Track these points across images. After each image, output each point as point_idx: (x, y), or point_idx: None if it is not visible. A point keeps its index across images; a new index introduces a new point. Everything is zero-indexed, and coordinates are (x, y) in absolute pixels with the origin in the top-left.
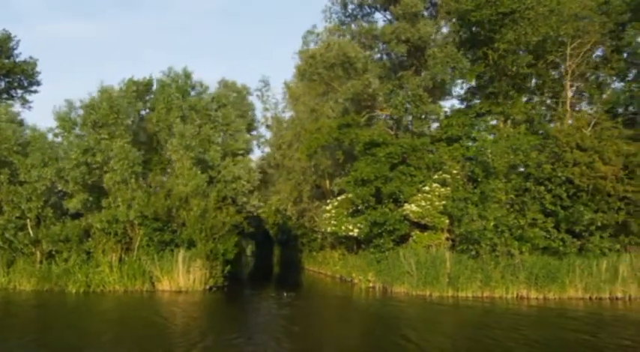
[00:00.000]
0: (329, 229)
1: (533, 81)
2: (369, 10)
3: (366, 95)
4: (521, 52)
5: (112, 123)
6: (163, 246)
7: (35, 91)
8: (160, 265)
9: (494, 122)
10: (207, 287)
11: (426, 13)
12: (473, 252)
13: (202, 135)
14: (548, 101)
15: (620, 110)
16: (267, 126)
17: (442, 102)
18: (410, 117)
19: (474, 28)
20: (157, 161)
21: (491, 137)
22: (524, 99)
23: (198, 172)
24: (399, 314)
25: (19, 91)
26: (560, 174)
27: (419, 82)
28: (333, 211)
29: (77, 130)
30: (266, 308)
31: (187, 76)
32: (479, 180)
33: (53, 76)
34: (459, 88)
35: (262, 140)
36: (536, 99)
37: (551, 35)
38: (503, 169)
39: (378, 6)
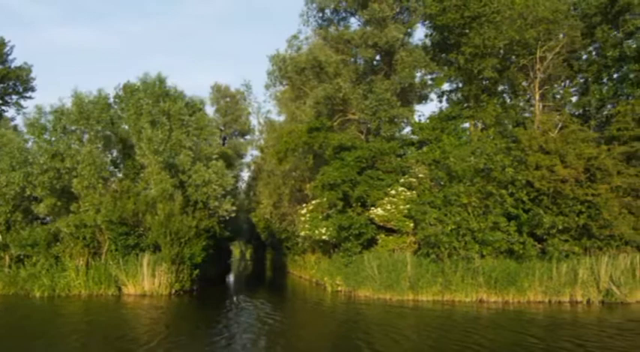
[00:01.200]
0: (303, 233)
1: (505, 85)
2: (344, 15)
3: (338, 99)
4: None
5: (81, 129)
6: (129, 250)
7: (30, 97)
8: (125, 269)
9: (466, 125)
10: (173, 291)
11: (402, 17)
12: (433, 256)
13: (173, 139)
14: (522, 104)
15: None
16: (259, 131)
17: (420, 106)
18: (380, 122)
19: (444, 33)
20: (130, 165)
21: (461, 140)
22: (496, 102)
23: (167, 176)
24: (356, 317)
25: (14, 97)
26: (520, 178)
27: (387, 86)
28: (308, 215)
29: (47, 136)
30: (223, 313)
31: (161, 81)
32: (442, 183)
33: (63, 80)
34: (435, 92)
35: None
36: (509, 102)
37: (517, 39)
38: (465, 173)
39: (354, 10)
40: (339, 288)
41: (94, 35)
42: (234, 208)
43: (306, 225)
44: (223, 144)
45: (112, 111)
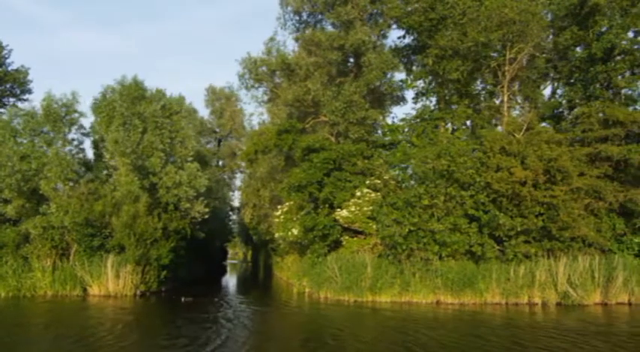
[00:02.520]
0: (277, 234)
1: (477, 86)
2: (320, 17)
3: (309, 101)
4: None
5: (50, 131)
6: (94, 252)
7: (27, 100)
8: (90, 270)
9: (437, 127)
10: (139, 292)
11: (375, 20)
12: (390, 257)
13: (145, 142)
14: (498, 103)
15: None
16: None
17: (399, 108)
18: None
19: (413, 35)
20: (102, 167)
21: (430, 141)
22: (468, 104)
23: (135, 178)
24: (307, 319)
25: (12, 100)
26: (478, 179)
27: (354, 89)
28: (282, 217)
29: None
30: (183, 313)
31: (137, 84)
32: (404, 185)
33: (75, 84)
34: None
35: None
36: (482, 104)
37: (482, 41)
38: (426, 175)
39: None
40: (306, 290)
41: (107, 38)
42: (206, 210)
43: (281, 227)
44: (219, 145)
45: (85, 113)
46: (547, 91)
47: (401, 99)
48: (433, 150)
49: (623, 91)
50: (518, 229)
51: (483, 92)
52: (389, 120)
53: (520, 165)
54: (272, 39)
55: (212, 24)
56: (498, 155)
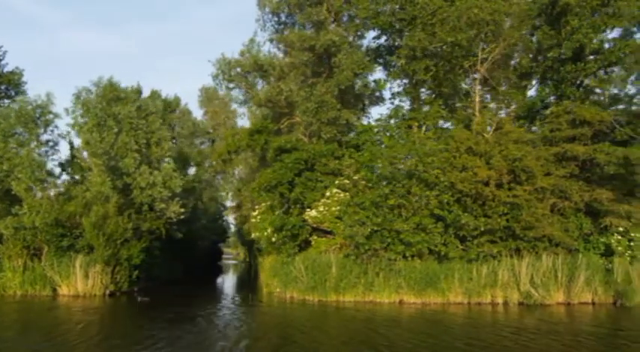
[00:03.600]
0: (253, 235)
1: (450, 87)
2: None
3: (283, 102)
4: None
5: (24, 132)
6: (63, 252)
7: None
8: (59, 270)
9: (410, 127)
10: (108, 292)
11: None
12: (353, 257)
13: (119, 143)
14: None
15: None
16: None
17: (378, 108)
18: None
19: (384, 35)
20: (77, 168)
21: (402, 142)
22: (441, 104)
23: (107, 179)
24: (266, 319)
25: (6, 101)
26: (442, 179)
27: (325, 89)
28: (259, 217)
29: None
30: (148, 313)
31: (112, 85)
32: (371, 185)
33: (74, 84)
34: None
35: None
36: (459, 104)
37: (450, 41)
38: (393, 175)
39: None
40: (277, 290)
41: (107, 38)
42: (182, 210)
43: (256, 227)
44: (212, 145)
45: (60, 114)
46: (533, 91)
47: (380, 100)
48: (401, 151)
49: (599, 91)
50: (482, 229)
51: (458, 92)
52: (367, 121)
53: (485, 165)
54: (252, 40)
55: (212, 24)
56: (464, 155)
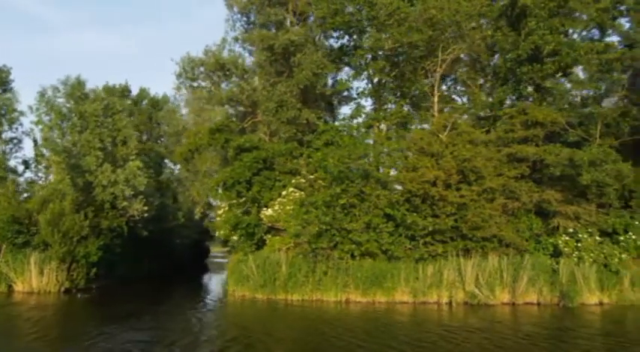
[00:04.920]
0: (217, 234)
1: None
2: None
3: (246, 101)
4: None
5: None
6: (19, 249)
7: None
8: (15, 267)
9: (371, 127)
10: (63, 289)
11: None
12: (300, 256)
13: (82, 141)
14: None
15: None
16: None
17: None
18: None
19: (344, 35)
20: (41, 165)
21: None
22: (404, 104)
23: (66, 177)
24: (210, 316)
25: None
26: (390, 179)
27: (285, 88)
28: (224, 215)
29: None
30: (94, 310)
31: (80, 84)
32: (326, 185)
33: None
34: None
35: None
36: (422, 105)
37: (406, 42)
38: (345, 174)
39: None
40: (232, 288)
41: (107, 38)
42: (145, 208)
43: (218, 226)
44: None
45: (25, 112)
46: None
47: (349, 100)
48: (356, 150)
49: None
50: (430, 229)
51: (418, 93)
52: (338, 121)
53: (435, 165)
54: (224, 40)
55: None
56: (416, 155)
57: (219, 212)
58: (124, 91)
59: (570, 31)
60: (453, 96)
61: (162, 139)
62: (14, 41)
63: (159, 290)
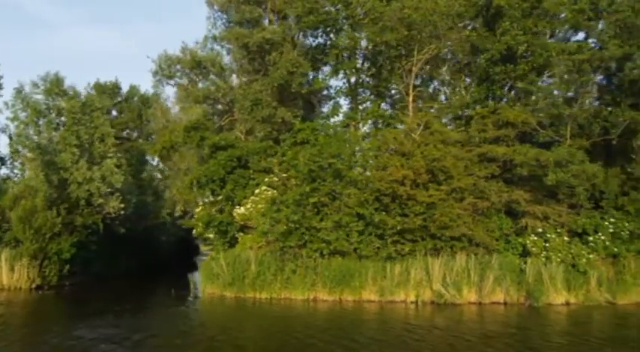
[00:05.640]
0: (194, 232)
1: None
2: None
3: (221, 99)
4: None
5: None
6: None
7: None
8: None
9: (347, 126)
10: (34, 286)
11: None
12: (269, 254)
13: (58, 137)
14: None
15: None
16: None
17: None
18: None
19: (320, 34)
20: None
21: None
22: (380, 103)
23: (40, 173)
24: (175, 314)
25: None
26: (361, 178)
27: (260, 87)
28: (201, 213)
29: None
30: (64, 307)
31: (58, 80)
32: (299, 183)
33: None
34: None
35: None
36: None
37: (379, 41)
38: (317, 173)
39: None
40: (203, 286)
41: (107, 38)
42: (122, 206)
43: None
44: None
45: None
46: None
47: (329, 98)
48: (328, 149)
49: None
50: (399, 228)
51: (395, 92)
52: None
53: (406, 164)
54: (206, 38)
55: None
56: (387, 154)
57: (197, 210)
58: (114, 89)
59: (548, 32)
60: (433, 96)
61: (152, 137)
62: (14, 39)
63: (134, 288)
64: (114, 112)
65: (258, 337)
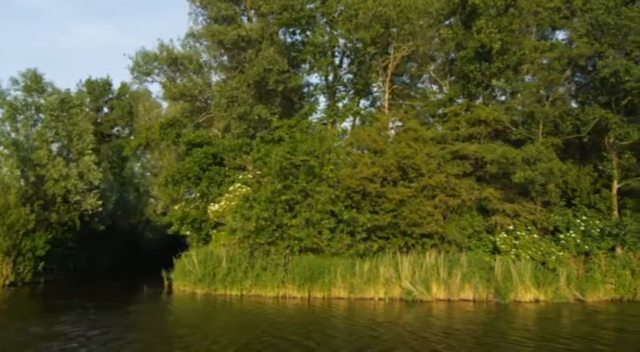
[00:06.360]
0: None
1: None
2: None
3: (199, 96)
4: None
5: None
6: None
7: None
8: None
9: (324, 124)
10: (7, 282)
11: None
12: (239, 251)
13: (35, 134)
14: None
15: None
16: None
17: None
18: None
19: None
20: None
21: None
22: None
23: (15, 170)
24: (142, 310)
25: None
26: (332, 175)
27: (235, 84)
28: (176, 210)
29: None
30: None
31: (37, 77)
32: (269, 181)
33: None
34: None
35: None
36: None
37: (352, 39)
38: (289, 170)
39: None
40: (177, 283)
41: (106, 32)
42: (99, 203)
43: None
44: None
45: None
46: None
47: (309, 96)
48: (301, 147)
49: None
50: (369, 225)
51: (372, 90)
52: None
53: (377, 162)
54: (188, 34)
55: None
56: (359, 151)
57: (177, 207)
58: (105, 86)
59: (533, 31)
60: (412, 93)
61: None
62: (14, 35)
63: (111, 285)
64: (105, 109)
65: (217, 334)
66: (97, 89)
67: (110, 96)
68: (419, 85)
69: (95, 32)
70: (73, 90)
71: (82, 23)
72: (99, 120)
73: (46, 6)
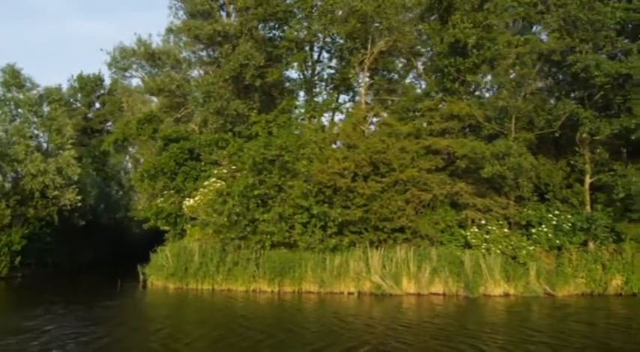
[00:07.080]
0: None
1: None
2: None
3: (176, 91)
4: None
5: None
6: None
7: None
8: None
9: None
10: None
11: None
12: (211, 246)
13: (12, 129)
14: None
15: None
16: None
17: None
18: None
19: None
20: None
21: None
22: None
23: None
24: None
25: None
26: (304, 170)
27: (212, 79)
28: (150, 205)
29: None
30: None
31: (14, 72)
32: (243, 175)
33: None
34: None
35: None
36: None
37: (327, 34)
38: (263, 165)
39: None
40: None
41: (104, 26)
42: (78, 198)
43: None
44: None
45: None
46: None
47: (290, 91)
48: (274, 141)
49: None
50: (340, 220)
51: (349, 85)
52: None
53: (350, 156)
54: (169, 29)
55: None
56: (332, 146)
57: (158, 202)
58: (97, 81)
59: (506, 25)
60: (390, 88)
61: None
62: (15, 31)
63: (88, 280)
64: (97, 105)
65: (189, 328)
66: (89, 84)
67: (102, 91)
68: (407, 80)
69: (94, 29)
70: (65, 85)
71: (82, 20)
72: (89, 116)
73: (46, 4)
